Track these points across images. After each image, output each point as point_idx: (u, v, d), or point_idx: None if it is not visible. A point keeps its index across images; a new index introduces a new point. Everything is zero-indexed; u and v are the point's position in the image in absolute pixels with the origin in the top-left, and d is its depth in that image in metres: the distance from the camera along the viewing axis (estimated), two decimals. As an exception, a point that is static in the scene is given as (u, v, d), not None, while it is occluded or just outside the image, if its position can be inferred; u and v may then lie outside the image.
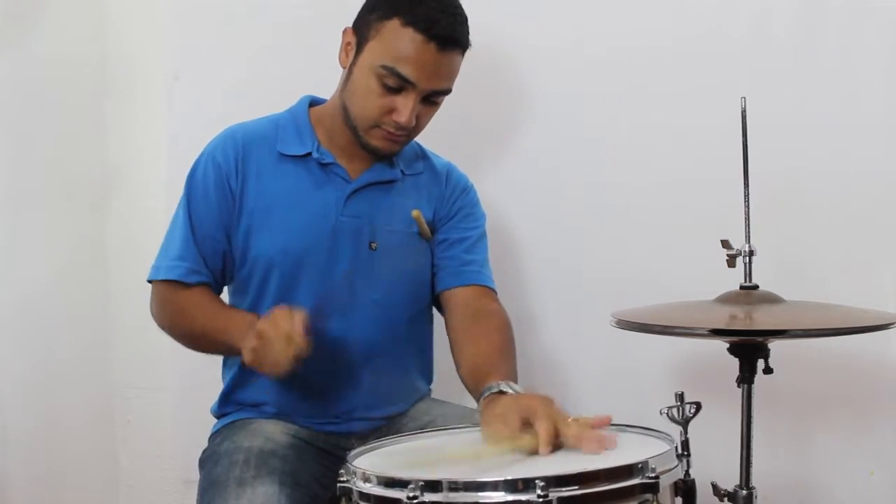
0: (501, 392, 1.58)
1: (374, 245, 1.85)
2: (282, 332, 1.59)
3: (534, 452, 1.41)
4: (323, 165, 1.86)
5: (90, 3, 2.53)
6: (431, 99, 1.80)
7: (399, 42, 1.73)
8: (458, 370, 1.80)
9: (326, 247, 1.83)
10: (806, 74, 2.11)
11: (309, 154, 1.85)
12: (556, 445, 1.42)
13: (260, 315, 1.79)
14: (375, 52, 1.76)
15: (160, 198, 2.39)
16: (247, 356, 1.64)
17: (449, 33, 1.75)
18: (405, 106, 1.76)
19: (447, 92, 1.81)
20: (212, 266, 1.85)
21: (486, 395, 1.60)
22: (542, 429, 1.42)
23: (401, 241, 1.89)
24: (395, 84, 1.75)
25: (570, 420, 1.45)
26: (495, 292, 1.93)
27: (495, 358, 1.73)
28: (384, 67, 1.74)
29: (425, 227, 1.90)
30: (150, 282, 1.87)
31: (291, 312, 1.61)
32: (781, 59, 2.12)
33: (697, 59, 2.17)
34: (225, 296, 1.92)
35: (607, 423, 1.49)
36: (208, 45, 2.44)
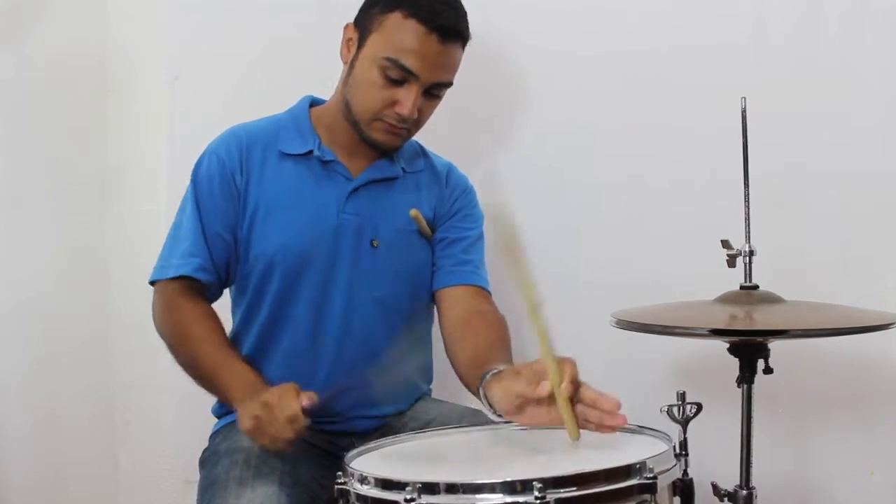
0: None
1: (375, 243, 1.85)
2: (287, 411, 1.57)
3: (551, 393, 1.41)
4: (324, 163, 1.86)
5: (90, 4, 2.52)
6: (433, 92, 1.81)
7: (402, 34, 1.75)
8: (453, 365, 1.80)
9: (328, 245, 1.83)
10: (806, 75, 2.11)
11: (310, 152, 1.86)
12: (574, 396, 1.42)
13: (259, 322, 1.82)
14: (378, 45, 1.77)
15: (160, 198, 2.39)
16: (245, 423, 1.61)
17: (451, 25, 1.77)
18: (407, 98, 1.77)
19: (448, 84, 1.82)
20: (219, 265, 1.84)
21: (489, 375, 1.57)
22: (568, 370, 1.42)
23: (402, 239, 1.89)
24: (398, 76, 1.76)
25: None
26: (490, 293, 1.93)
27: (496, 346, 1.73)
28: (387, 59, 1.75)
29: (425, 225, 1.90)
30: (152, 283, 1.85)
31: (298, 393, 1.59)
32: (782, 60, 2.12)
33: (698, 59, 2.17)
34: (224, 296, 1.92)
35: (618, 407, 1.45)
36: (208, 45, 2.44)
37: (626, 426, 1.49)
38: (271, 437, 1.59)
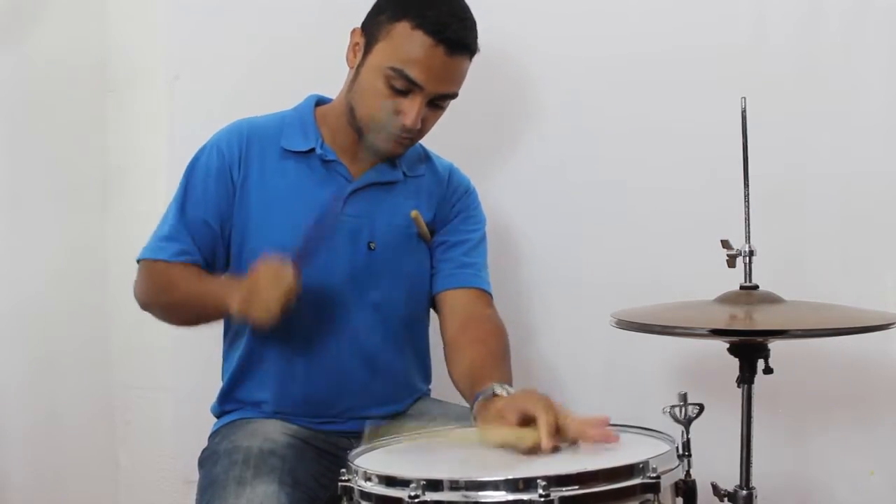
0: (495, 395, 1.58)
1: (372, 245, 1.85)
2: (273, 272, 1.61)
3: (535, 448, 1.40)
4: (325, 163, 1.86)
5: (90, 4, 2.52)
6: (437, 102, 1.80)
7: (408, 44, 1.73)
8: (450, 374, 1.80)
9: (325, 245, 1.83)
10: (806, 74, 2.11)
11: (312, 150, 1.85)
12: (558, 442, 1.42)
13: None
14: (384, 54, 1.76)
15: (160, 198, 2.37)
16: (235, 302, 1.63)
17: (458, 38, 1.75)
18: (411, 108, 1.76)
19: (454, 96, 1.81)
20: (205, 252, 1.84)
21: (481, 398, 1.59)
22: (544, 421, 1.41)
23: (400, 242, 1.88)
24: (403, 86, 1.75)
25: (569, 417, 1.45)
26: (491, 297, 1.92)
27: (489, 362, 1.73)
28: (392, 69, 1.74)
29: (424, 228, 1.90)
30: (138, 262, 1.86)
31: (282, 258, 1.63)
32: (781, 60, 2.13)
33: (698, 59, 2.18)
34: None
35: (605, 423, 1.49)
36: (208, 45, 2.44)
37: (629, 427, 1.50)
38: (264, 306, 1.61)
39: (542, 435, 1.40)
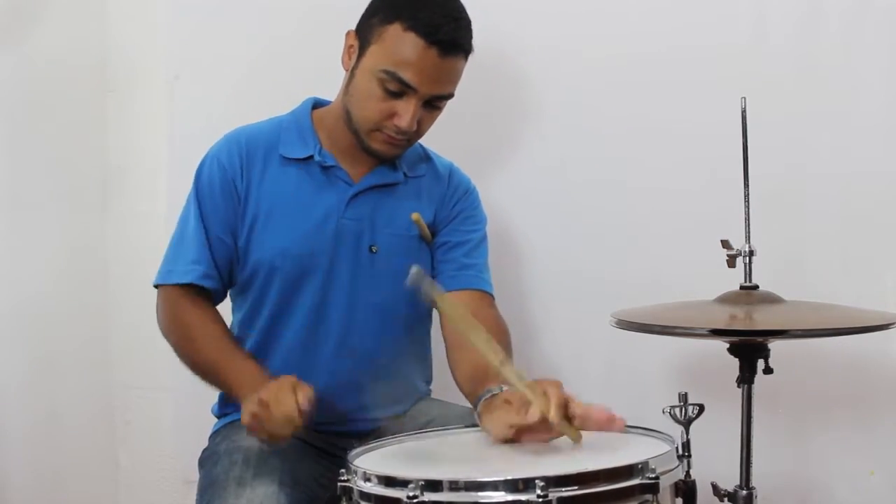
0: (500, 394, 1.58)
1: (374, 248, 1.85)
2: (284, 410, 1.56)
3: (542, 422, 1.40)
4: (325, 168, 1.85)
5: (90, 4, 2.53)
6: (433, 103, 1.79)
7: (400, 47, 1.73)
8: (454, 375, 1.80)
9: (327, 250, 1.83)
10: (806, 75, 2.11)
11: (311, 157, 1.85)
12: (564, 419, 1.42)
13: (257, 321, 1.83)
14: (377, 57, 1.76)
15: (160, 198, 2.40)
16: (245, 418, 1.61)
17: (451, 39, 1.74)
18: (406, 111, 1.75)
19: (449, 97, 1.81)
20: (222, 271, 1.84)
21: (486, 397, 1.59)
22: (554, 393, 1.41)
23: (401, 245, 1.88)
24: (397, 89, 1.74)
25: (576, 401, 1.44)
26: (493, 297, 1.92)
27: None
28: (385, 72, 1.73)
29: (426, 230, 1.90)
30: (156, 286, 1.86)
31: (296, 388, 1.59)
32: (781, 60, 2.12)
33: (698, 59, 2.17)
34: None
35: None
36: (208, 45, 2.44)
37: (629, 427, 1.50)
38: (270, 434, 1.59)
39: (552, 405, 1.40)
